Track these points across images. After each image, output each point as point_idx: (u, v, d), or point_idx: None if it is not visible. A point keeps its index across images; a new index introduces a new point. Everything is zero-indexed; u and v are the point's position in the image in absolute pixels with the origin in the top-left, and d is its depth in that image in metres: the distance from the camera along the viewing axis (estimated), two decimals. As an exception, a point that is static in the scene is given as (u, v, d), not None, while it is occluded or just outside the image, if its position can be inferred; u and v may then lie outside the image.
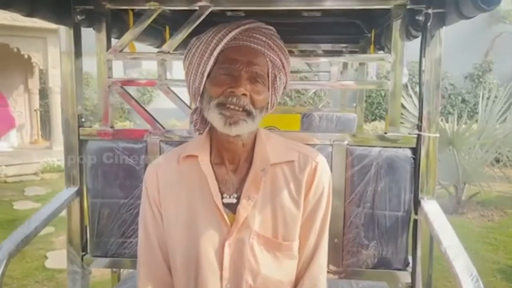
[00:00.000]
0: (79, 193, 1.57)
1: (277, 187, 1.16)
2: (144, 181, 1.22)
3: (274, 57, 1.12)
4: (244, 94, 1.06)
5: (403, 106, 6.66)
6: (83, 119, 1.56)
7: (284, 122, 3.10)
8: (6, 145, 9.91)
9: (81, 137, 1.55)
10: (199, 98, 1.16)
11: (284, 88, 1.21)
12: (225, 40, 1.08)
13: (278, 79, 1.15)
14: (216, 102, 1.08)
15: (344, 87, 1.59)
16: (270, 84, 1.13)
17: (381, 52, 2.37)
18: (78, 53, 1.54)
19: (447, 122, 6.10)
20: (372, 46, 2.42)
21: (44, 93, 10.00)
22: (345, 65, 3.42)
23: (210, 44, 1.09)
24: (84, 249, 1.61)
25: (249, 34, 1.10)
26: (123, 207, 1.54)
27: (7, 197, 7.14)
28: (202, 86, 1.13)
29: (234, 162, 1.17)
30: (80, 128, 1.55)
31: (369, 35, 2.59)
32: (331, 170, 1.46)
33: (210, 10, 1.45)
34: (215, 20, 1.35)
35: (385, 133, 1.48)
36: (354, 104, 3.40)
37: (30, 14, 1.32)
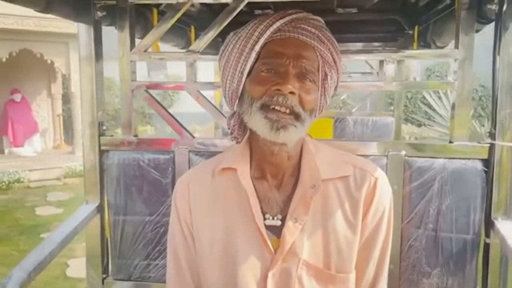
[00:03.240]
0: (99, 209, 1.41)
1: (329, 207, 0.97)
2: (173, 197, 1.05)
3: (325, 51, 0.94)
4: (292, 93, 0.89)
5: (432, 108, 6.40)
6: (104, 127, 1.41)
7: (314, 127, 2.89)
8: (30, 149, 10.00)
9: (102, 147, 1.39)
10: (237, 102, 0.98)
11: (335, 88, 1.02)
12: (268, 32, 0.92)
13: (329, 77, 0.96)
14: (259, 103, 0.90)
15: (402, 88, 1.39)
16: (320, 84, 0.95)
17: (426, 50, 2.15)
18: (98, 54, 1.38)
19: (482, 125, 5.80)
20: (415, 44, 2.21)
21: (66, 98, 10.05)
22: (381, 65, 3.21)
23: (251, 38, 0.92)
24: (105, 271, 1.45)
25: (296, 25, 0.94)
26: (148, 225, 1.38)
27: (30, 202, 7.16)
28: (241, 87, 0.96)
29: (277, 176, 0.99)
30: (101, 137, 1.39)
31: (410, 32, 2.39)
32: (385, 185, 1.27)
33: (245, 2, 1.27)
34: (246, 20, 1.18)
35: (451, 141, 1.27)
36: (392, 108, 3.18)
37: (45, 9, 1.17)
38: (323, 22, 0.99)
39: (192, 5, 2.03)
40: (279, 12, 0.94)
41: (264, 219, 0.96)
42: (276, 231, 0.95)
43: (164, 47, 2.14)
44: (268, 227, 0.96)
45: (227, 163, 1.01)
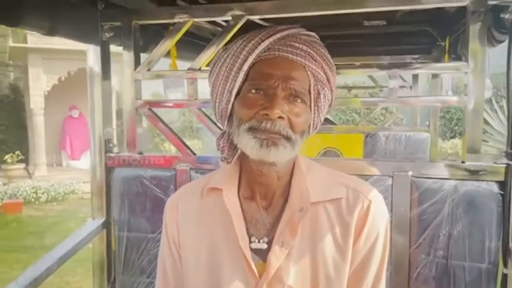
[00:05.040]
0: (105, 225, 1.43)
1: (318, 231, 0.92)
2: (164, 215, 1.03)
3: (317, 69, 0.90)
4: (280, 117, 0.85)
5: (486, 122, 6.03)
6: (111, 145, 1.44)
7: (344, 143, 2.82)
8: (86, 162, 10.55)
9: (108, 164, 1.42)
10: (226, 121, 0.96)
11: (330, 106, 0.98)
12: (256, 51, 0.89)
13: (322, 96, 0.92)
14: (247, 126, 0.88)
15: (405, 104, 1.31)
16: (312, 103, 0.91)
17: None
18: (106, 73, 1.43)
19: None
20: (446, 56, 2.10)
21: (120, 113, 10.50)
22: (415, 78, 3.07)
23: (239, 57, 0.90)
24: (112, 287, 1.47)
25: (286, 42, 0.90)
26: (150, 242, 1.38)
27: (83, 213, 7.51)
28: (230, 106, 0.93)
29: (267, 197, 0.96)
30: (107, 155, 1.42)
31: (442, 43, 2.27)
32: (391, 208, 1.19)
33: (244, 20, 1.26)
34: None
35: (463, 161, 1.17)
36: (427, 122, 3.02)
37: (50, 32, 1.22)
38: (317, 37, 0.95)
39: (216, 22, 2.06)
40: (270, 28, 0.90)
41: (250, 241, 0.93)
42: (262, 255, 0.91)
43: (186, 65, 2.16)
44: (254, 250, 0.92)
45: (214, 183, 0.99)
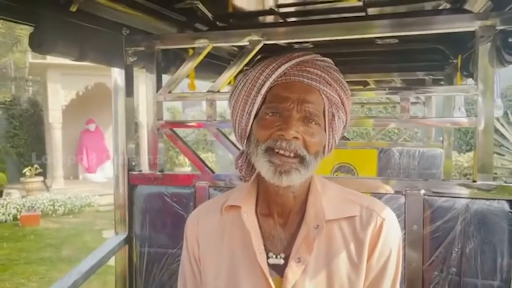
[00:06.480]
0: (127, 241, 1.49)
1: (333, 248, 0.96)
2: (184, 231, 1.09)
3: (332, 93, 0.96)
4: (295, 138, 0.90)
5: (502, 135, 5.98)
6: (133, 163, 1.50)
7: (358, 158, 2.85)
8: (102, 176, 10.71)
9: (131, 182, 1.48)
10: (245, 141, 1.02)
11: (344, 127, 1.03)
12: (273, 76, 0.95)
13: (336, 118, 0.98)
14: (264, 147, 0.93)
15: (416, 125, 1.35)
16: (327, 125, 0.96)
17: (470, 79, 2.06)
18: (129, 93, 1.50)
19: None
20: (458, 74, 2.12)
21: (136, 127, 10.68)
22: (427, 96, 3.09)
23: (257, 81, 0.96)
24: (134, 302, 1.52)
25: (302, 68, 0.96)
26: (170, 257, 1.43)
27: (99, 225, 7.61)
28: (249, 127, 1.00)
29: (283, 214, 1.00)
30: (130, 173, 1.48)
31: (454, 61, 2.30)
32: (404, 225, 1.23)
33: (261, 44, 1.32)
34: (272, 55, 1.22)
35: (474, 180, 1.20)
36: (441, 138, 3.03)
37: (79, 58, 1.30)
38: (332, 62, 1.01)
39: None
40: (287, 54, 0.96)
41: (268, 257, 0.97)
42: (279, 270, 0.96)
43: (203, 83, 2.24)
44: (271, 266, 0.96)
45: (233, 200, 1.04)
